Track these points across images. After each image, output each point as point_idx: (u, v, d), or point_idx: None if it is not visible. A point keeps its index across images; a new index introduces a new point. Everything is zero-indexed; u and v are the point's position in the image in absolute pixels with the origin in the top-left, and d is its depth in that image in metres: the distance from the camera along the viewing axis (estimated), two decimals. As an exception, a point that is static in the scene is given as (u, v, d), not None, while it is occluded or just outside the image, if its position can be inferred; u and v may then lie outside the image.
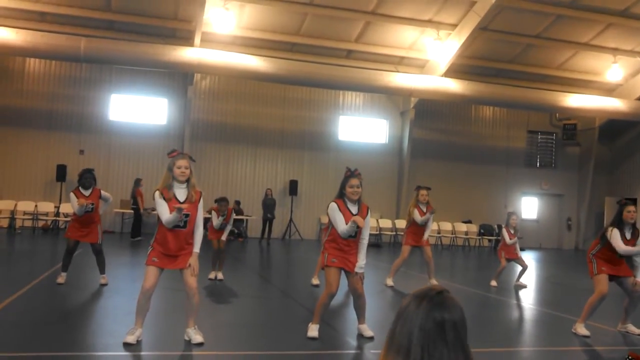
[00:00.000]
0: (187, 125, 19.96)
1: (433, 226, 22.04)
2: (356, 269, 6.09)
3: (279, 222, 20.52)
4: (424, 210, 10.42)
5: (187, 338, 5.58)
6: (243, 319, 7.21)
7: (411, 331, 1.60)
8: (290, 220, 20.76)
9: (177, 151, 5.70)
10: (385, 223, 21.24)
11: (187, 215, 5.45)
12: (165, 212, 5.43)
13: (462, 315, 1.66)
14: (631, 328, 7.14)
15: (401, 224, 21.39)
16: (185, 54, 17.35)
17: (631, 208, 6.78)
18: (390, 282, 10.34)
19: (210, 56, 17.57)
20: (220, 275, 9.94)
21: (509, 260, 11.22)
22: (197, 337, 5.54)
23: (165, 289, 7.71)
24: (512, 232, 11.14)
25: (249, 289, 9.78)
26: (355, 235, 6.09)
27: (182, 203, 5.44)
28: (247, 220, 20.07)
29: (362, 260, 6.09)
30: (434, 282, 10.17)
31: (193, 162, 5.73)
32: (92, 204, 8.50)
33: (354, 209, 6.10)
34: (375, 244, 19.75)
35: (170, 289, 7.93)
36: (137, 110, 20.21)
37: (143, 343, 5.44)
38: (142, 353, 5.31)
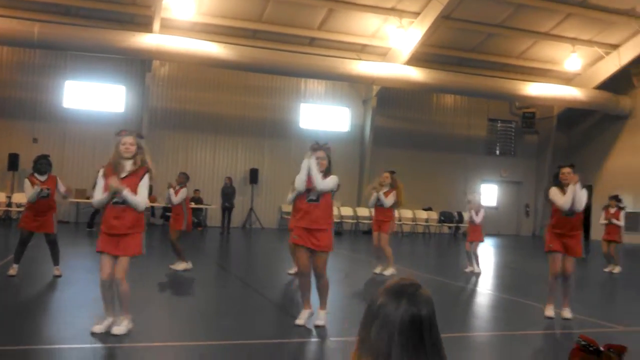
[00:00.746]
0: (145, 112, 19.54)
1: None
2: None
3: (239, 211, 20.30)
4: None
5: (105, 328, 5.35)
6: (202, 309, 7.06)
7: (391, 334, 1.48)
8: (251, 209, 20.58)
9: (124, 131, 5.54)
10: (347, 211, 21.25)
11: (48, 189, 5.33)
12: (98, 191, 5.34)
13: (434, 309, 1.57)
14: (547, 311, 7.13)
15: (362, 211, 21.44)
16: (144, 40, 16.95)
17: (565, 170, 7.07)
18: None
19: (170, 42, 17.21)
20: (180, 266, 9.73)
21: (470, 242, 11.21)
22: (118, 329, 5.31)
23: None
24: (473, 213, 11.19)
25: (208, 279, 9.62)
26: (317, 199, 5.99)
27: (124, 177, 5.29)
28: (206, 209, 19.81)
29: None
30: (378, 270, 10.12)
31: (141, 139, 5.56)
32: (48, 189, 8.20)
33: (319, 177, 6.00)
34: (336, 232, 19.74)
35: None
36: (93, 97, 19.68)
37: (101, 335, 5.26)
38: (97, 345, 5.13)
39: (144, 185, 5.38)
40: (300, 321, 5.99)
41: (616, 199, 12.97)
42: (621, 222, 12.69)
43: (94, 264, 8.84)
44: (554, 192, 7.06)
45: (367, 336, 1.52)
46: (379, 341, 1.49)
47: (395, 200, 10.24)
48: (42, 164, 8.34)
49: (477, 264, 11.25)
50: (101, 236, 5.39)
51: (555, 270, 7.03)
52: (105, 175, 5.33)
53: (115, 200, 5.29)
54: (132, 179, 5.33)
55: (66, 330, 5.61)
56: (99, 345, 5.17)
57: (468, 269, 11.13)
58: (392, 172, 10.46)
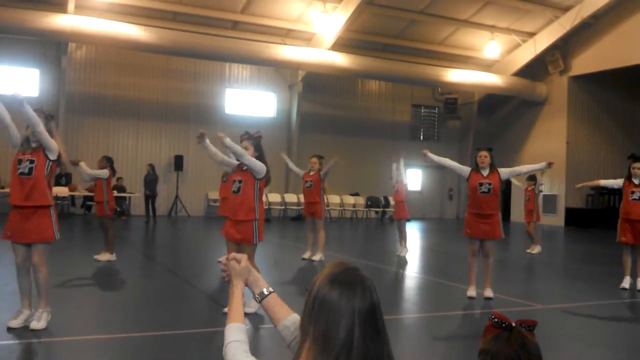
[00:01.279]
0: (62, 97, 18.68)
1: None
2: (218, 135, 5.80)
3: (164, 199, 19.83)
4: (310, 174, 10.43)
5: (22, 322, 5.13)
6: (129, 300, 6.82)
7: (351, 325, 1.45)
8: (177, 196, 20.14)
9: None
10: (274, 197, 21.15)
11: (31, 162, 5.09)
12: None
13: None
14: (470, 291, 7.37)
15: (290, 197, 21.42)
16: (58, 21, 16.16)
17: (482, 153, 7.44)
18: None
19: (86, 24, 16.49)
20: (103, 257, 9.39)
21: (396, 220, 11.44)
22: (37, 323, 5.10)
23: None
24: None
25: (134, 269, 9.32)
26: (237, 191, 6.01)
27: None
28: (129, 197, 19.22)
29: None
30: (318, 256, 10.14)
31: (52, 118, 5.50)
32: None
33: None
34: (266, 219, 19.59)
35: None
36: (3, 81, 18.62)
37: (21, 330, 4.97)
38: (13, 341, 4.84)
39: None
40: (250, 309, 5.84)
41: (532, 178, 13.49)
42: (537, 203, 13.28)
43: (9, 254, 8.41)
44: (463, 167, 7.66)
45: (327, 335, 1.46)
46: (339, 334, 1.45)
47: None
48: None
49: (403, 243, 11.28)
50: (7, 222, 5.15)
51: (470, 251, 7.39)
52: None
53: (20, 170, 5.09)
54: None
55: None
56: (16, 341, 4.90)
57: (398, 252, 11.27)
58: (320, 157, 10.51)
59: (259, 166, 5.93)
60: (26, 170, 5.11)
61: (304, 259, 10.22)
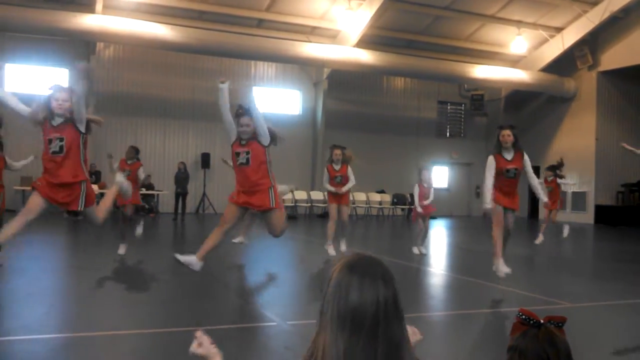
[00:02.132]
0: (91, 96, 18.95)
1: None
2: None
3: (192, 196, 20.04)
4: (336, 168, 10.15)
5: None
6: (157, 296, 6.92)
7: (377, 314, 1.49)
8: (204, 194, 20.32)
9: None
10: (301, 195, 21.22)
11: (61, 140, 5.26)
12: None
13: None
14: (501, 267, 7.33)
15: (316, 195, 21.46)
16: (86, 21, 16.42)
17: (505, 132, 7.34)
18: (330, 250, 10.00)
19: (114, 24, 16.72)
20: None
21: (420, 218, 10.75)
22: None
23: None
24: (425, 185, 10.70)
25: (163, 266, 9.43)
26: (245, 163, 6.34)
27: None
28: (158, 195, 19.46)
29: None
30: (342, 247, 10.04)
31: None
32: None
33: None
34: (292, 216, 19.69)
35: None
36: (34, 81, 18.97)
37: (54, 324, 5.09)
38: (49, 336, 4.96)
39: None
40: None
41: (551, 168, 13.42)
42: (564, 186, 13.23)
43: (39, 252, 8.60)
44: (488, 166, 7.34)
45: (347, 314, 1.49)
46: (363, 317, 1.49)
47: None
48: None
49: (423, 242, 10.84)
50: (41, 178, 5.54)
51: (497, 222, 7.31)
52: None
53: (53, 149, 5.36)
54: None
55: (12, 320, 5.40)
56: (49, 335, 5.01)
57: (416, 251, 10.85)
58: (342, 149, 10.37)
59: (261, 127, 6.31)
60: (57, 149, 5.24)
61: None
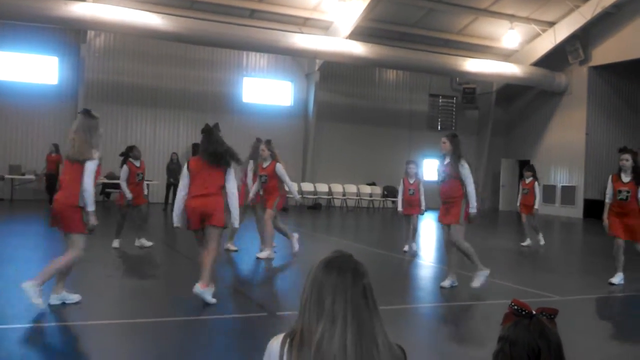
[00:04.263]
0: (81, 85, 18.83)
1: (333, 188, 22.26)
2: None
3: (182, 187, 19.94)
4: (264, 166, 9.32)
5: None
6: (150, 286, 6.90)
7: (345, 302, 1.71)
8: (194, 184, 20.25)
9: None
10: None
11: None
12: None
13: (368, 275, 1.80)
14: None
15: (307, 187, 21.45)
16: (77, 9, 16.24)
17: (624, 156, 7.65)
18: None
19: (105, 12, 16.56)
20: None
21: (406, 215, 10.38)
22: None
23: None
24: (410, 181, 10.42)
25: (154, 257, 9.40)
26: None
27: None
28: (147, 185, 19.32)
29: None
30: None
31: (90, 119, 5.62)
32: None
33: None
34: (284, 208, 19.64)
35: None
36: (22, 69, 18.76)
37: (60, 312, 5.07)
38: (40, 324, 4.94)
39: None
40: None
41: (531, 169, 12.53)
42: (536, 192, 12.06)
43: (36, 242, 8.57)
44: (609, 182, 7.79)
45: (321, 305, 1.72)
46: (335, 309, 1.71)
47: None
48: None
49: (413, 239, 10.51)
50: None
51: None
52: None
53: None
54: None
55: (9, 308, 5.38)
56: (42, 324, 4.99)
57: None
58: (268, 142, 9.41)
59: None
60: None
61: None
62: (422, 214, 10.72)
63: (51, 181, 16.30)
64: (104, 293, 6.60)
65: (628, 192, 7.46)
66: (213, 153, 5.89)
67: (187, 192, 6.01)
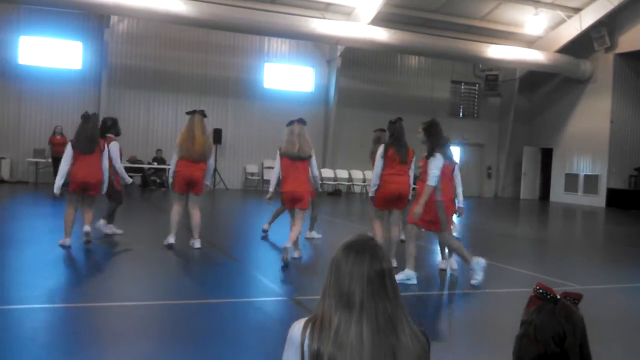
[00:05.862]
0: (104, 70, 18.98)
1: (353, 175, 22.24)
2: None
3: (203, 172, 20.07)
4: None
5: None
6: (168, 269, 6.99)
7: (362, 285, 1.69)
8: (215, 169, 20.35)
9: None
10: (311, 172, 21.21)
11: None
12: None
13: (391, 262, 1.80)
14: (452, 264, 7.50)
15: (327, 173, 21.46)
16: (101, -6, 16.34)
17: (419, 128, 7.25)
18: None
19: (128, -3, 16.63)
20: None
21: None
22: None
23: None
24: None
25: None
26: None
27: None
28: (169, 169, 19.50)
29: None
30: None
31: None
32: None
33: None
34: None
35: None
36: (48, 53, 18.96)
37: (69, 295, 5.16)
38: (60, 305, 5.03)
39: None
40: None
41: None
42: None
43: (55, 224, 8.69)
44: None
45: (340, 288, 1.71)
46: (351, 294, 1.69)
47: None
48: None
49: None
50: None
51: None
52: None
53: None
54: None
55: (25, 290, 5.48)
56: (60, 305, 5.08)
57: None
58: (382, 131, 9.19)
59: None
60: None
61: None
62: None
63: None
64: (130, 275, 6.70)
65: None
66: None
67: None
